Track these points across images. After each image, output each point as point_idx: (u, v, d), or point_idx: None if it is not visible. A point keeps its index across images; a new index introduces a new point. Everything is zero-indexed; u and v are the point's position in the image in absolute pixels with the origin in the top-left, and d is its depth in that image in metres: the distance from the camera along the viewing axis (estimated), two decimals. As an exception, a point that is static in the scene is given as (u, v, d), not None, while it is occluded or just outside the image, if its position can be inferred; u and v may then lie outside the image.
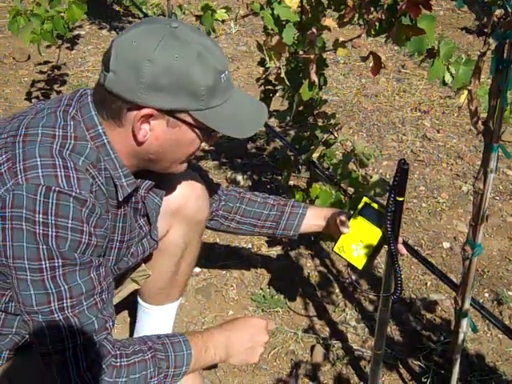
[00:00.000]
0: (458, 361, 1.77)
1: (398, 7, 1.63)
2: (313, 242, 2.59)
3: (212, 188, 1.86)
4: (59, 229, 1.27)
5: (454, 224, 2.79)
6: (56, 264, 1.29)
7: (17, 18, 2.52)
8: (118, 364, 1.37)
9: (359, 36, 1.57)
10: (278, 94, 2.44)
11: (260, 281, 2.45)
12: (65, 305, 1.31)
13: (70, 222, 1.28)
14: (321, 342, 2.18)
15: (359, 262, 1.65)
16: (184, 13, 2.64)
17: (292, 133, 3.34)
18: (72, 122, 1.37)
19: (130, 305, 2.09)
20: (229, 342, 1.56)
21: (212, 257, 2.55)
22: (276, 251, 2.60)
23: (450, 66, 1.85)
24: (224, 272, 2.50)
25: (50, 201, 1.27)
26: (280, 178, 3.00)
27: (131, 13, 5.07)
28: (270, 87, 2.36)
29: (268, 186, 2.99)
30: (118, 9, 5.17)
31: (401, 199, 1.59)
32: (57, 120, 1.37)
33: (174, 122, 1.37)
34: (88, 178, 1.33)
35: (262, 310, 2.31)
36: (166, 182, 1.64)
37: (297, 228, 1.91)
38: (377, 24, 1.74)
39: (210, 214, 1.86)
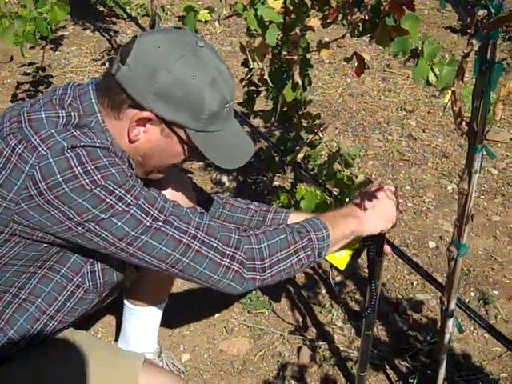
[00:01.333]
0: (445, 361, 1.77)
1: (382, 8, 1.62)
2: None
3: (195, 193, 1.85)
4: (101, 169, 1.30)
5: (440, 223, 2.80)
6: (120, 194, 1.32)
7: (1, 20, 2.49)
8: (253, 232, 1.48)
9: (343, 37, 1.56)
10: (262, 95, 2.43)
11: (246, 282, 2.44)
12: (170, 219, 1.38)
13: (105, 160, 1.31)
14: (307, 343, 2.17)
15: (342, 263, 1.66)
16: (166, 13, 2.62)
17: (277, 133, 3.34)
18: (70, 108, 1.39)
19: (114, 308, 2.07)
20: (357, 213, 1.58)
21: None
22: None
23: (433, 66, 1.84)
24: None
25: (80, 152, 1.29)
26: (265, 178, 3.00)
27: (115, 13, 5.04)
28: (253, 88, 2.35)
29: (253, 187, 2.99)
30: (101, 9, 5.15)
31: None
32: (54, 106, 1.38)
33: (168, 132, 1.40)
34: (103, 134, 1.38)
35: (248, 312, 2.30)
36: (155, 185, 1.63)
37: None
38: (360, 24, 1.73)
39: None
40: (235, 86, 1.46)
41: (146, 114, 1.36)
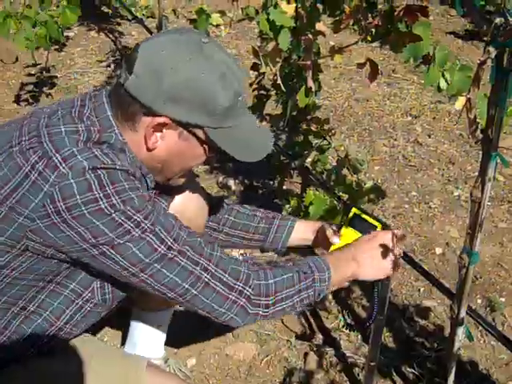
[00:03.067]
0: (454, 369, 1.76)
1: (395, 13, 1.62)
2: (305, 248, 2.57)
3: (207, 196, 1.84)
4: (121, 194, 1.29)
5: (447, 229, 2.79)
6: (138, 219, 1.31)
7: (7, 20, 2.49)
8: (261, 267, 1.48)
9: (356, 42, 1.55)
10: (271, 99, 2.43)
11: (252, 287, 2.43)
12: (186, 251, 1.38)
13: (125, 184, 1.30)
14: (314, 349, 2.16)
15: None
16: (178, 16, 2.62)
17: (284, 137, 3.33)
18: (89, 122, 1.37)
19: (121, 312, 2.05)
20: (356, 256, 1.58)
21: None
22: (268, 257, 2.58)
23: (445, 73, 1.84)
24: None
25: (101, 175, 1.28)
26: (272, 182, 2.99)
27: (120, 14, 5.05)
28: (263, 92, 2.35)
29: (260, 191, 2.98)
30: (106, 10, 5.14)
31: None
32: (74, 120, 1.36)
33: (186, 135, 1.38)
34: (123, 154, 1.36)
35: (255, 317, 2.29)
36: (168, 188, 1.63)
37: (285, 241, 1.88)
38: (373, 30, 1.73)
39: None
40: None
41: (161, 119, 1.34)
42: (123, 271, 1.35)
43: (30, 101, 3.80)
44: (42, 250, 1.34)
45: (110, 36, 4.72)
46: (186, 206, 1.71)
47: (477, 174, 1.52)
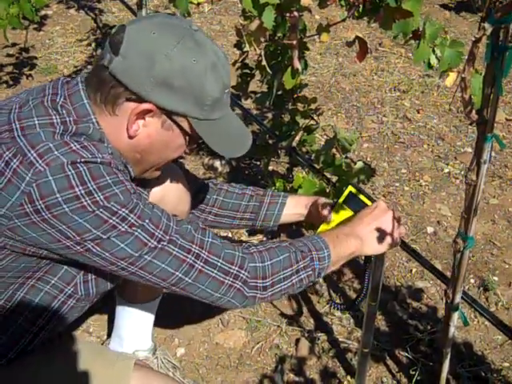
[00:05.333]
0: (449, 355, 1.72)
1: (384, -12, 1.55)
2: (294, 231, 2.52)
3: (189, 183, 1.78)
4: (104, 189, 1.23)
5: (438, 208, 2.74)
6: (123, 214, 1.25)
7: (-20, 0, 2.39)
8: (256, 250, 1.44)
9: (344, 20, 1.48)
10: (255, 78, 2.35)
11: (241, 272, 2.38)
12: (175, 238, 1.33)
13: (108, 178, 1.23)
14: (306, 334, 2.12)
15: None
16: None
17: (269, 116, 3.26)
18: (64, 111, 1.29)
19: (106, 301, 2.00)
20: (359, 232, 1.54)
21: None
22: (256, 240, 2.53)
23: (435, 48, 1.77)
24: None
25: (81, 170, 1.21)
26: (258, 163, 2.92)
27: (100, -9, 4.91)
28: (247, 71, 2.27)
29: (246, 172, 2.91)
30: (86, -13, 5.01)
31: None
32: (47, 109, 1.29)
33: (169, 124, 1.33)
34: (102, 144, 1.29)
35: (244, 303, 2.24)
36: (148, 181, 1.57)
37: (277, 218, 1.84)
38: (360, 6, 1.66)
39: None
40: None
41: (146, 105, 1.28)
42: (111, 266, 1.30)
43: (10, 83, 3.69)
44: (22, 248, 1.28)
45: (90, 14, 4.59)
46: (167, 192, 1.65)
47: (467, 149, 1.46)
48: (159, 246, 1.30)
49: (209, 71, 1.30)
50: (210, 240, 1.39)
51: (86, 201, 1.21)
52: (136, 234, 1.27)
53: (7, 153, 1.22)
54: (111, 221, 1.24)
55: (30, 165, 1.20)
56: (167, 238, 1.31)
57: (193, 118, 1.32)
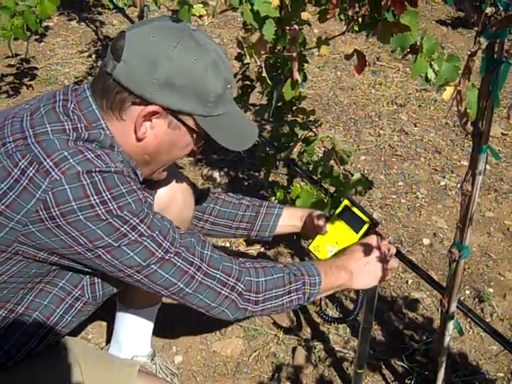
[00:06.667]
0: (444, 364, 1.74)
1: (383, 3, 1.58)
2: (292, 241, 2.55)
3: (192, 187, 1.81)
4: (117, 199, 1.26)
5: (434, 220, 2.77)
6: (134, 223, 1.29)
7: (-16, 10, 2.42)
8: (252, 266, 1.49)
9: (343, 33, 1.51)
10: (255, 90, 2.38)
11: (239, 281, 2.40)
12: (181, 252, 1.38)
13: (122, 188, 1.27)
14: (302, 343, 2.14)
15: None
16: (159, 7, 2.57)
17: (268, 127, 3.30)
18: (75, 116, 1.33)
19: (105, 307, 2.02)
20: (350, 266, 1.59)
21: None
22: (255, 250, 2.55)
23: (432, 63, 1.81)
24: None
25: (97, 180, 1.24)
26: (257, 174, 2.95)
27: (101, 3, 4.95)
28: (247, 83, 2.30)
29: (245, 183, 2.94)
30: (87, -1, 5.06)
31: None
32: (58, 116, 1.32)
33: (175, 123, 1.36)
34: (113, 152, 1.33)
35: (242, 312, 2.26)
36: (153, 183, 1.59)
37: (272, 229, 1.88)
38: (360, 20, 1.69)
39: None
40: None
41: (152, 108, 1.31)
42: (118, 272, 1.34)
43: (11, 93, 3.72)
44: (34, 254, 1.31)
45: (91, 26, 4.64)
46: (173, 199, 1.69)
47: (463, 163, 1.49)
48: (166, 256, 1.34)
49: (209, 68, 1.33)
50: (209, 253, 1.44)
51: (100, 209, 1.24)
52: (145, 243, 1.31)
53: (23, 161, 1.25)
54: (122, 229, 1.27)
55: (46, 173, 1.23)
56: (173, 249, 1.35)
57: (198, 115, 1.36)
